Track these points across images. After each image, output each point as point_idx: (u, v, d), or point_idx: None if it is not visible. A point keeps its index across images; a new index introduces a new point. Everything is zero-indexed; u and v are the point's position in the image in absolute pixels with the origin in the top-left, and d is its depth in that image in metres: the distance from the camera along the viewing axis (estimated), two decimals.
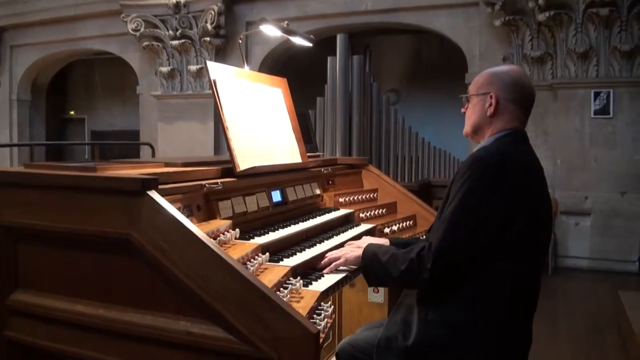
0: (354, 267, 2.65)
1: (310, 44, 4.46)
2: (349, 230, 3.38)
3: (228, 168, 2.86)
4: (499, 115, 2.44)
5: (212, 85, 2.94)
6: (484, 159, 2.25)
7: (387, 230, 3.68)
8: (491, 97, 2.43)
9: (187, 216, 2.30)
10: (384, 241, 2.90)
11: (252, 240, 2.61)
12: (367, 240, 2.90)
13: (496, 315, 2.22)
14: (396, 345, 2.34)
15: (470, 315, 2.22)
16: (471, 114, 2.54)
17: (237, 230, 2.56)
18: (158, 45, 11.45)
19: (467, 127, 2.57)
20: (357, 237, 3.27)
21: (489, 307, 2.21)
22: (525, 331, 2.35)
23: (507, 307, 2.24)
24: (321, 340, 1.93)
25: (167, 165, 2.79)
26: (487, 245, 2.16)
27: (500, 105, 2.43)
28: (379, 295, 3.90)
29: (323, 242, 3.01)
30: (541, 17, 8.60)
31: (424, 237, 2.90)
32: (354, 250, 2.65)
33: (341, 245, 2.93)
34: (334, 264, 2.65)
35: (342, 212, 3.62)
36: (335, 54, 9.45)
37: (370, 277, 2.50)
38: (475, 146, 2.55)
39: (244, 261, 2.30)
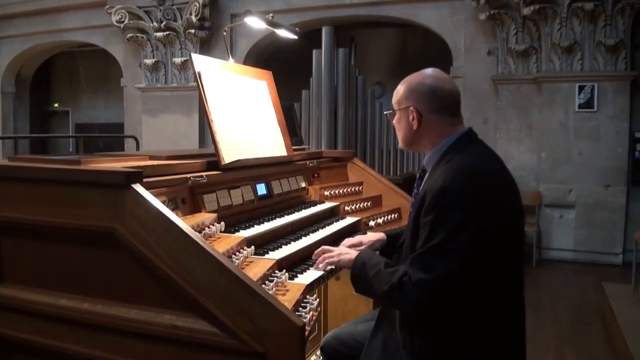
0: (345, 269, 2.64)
1: (295, 37, 4.46)
2: (335, 224, 3.38)
3: (213, 161, 2.86)
4: (426, 127, 2.39)
5: (196, 77, 2.93)
6: (450, 189, 2.14)
7: (372, 223, 3.69)
8: (412, 111, 2.39)
9: (172, 209, 2.30)
10: (380, 236, 2.91)
11: (237, 234, 2.61)
12: (364, 238, 2.91)
13: (485, 338, 2.20)
14: None
15: (459, 345, 2.19)
16: (399, 129, 2.51)
17: (222, 223, 2.56)
18: (142, 37, 11.39)
19: (400, 142, 2.55)
20: (343, 230, 3.29)
21: (476, 333, 2.19)
22: (519, 348, 2.34)
23: (494, 329, 2.21)
24: (307, 333, 1.94)
25: (151, 158, 2.78)
26: (471, 274, 2.10)
27: (424, 118, 2.38)
28: None
29: (308, 235, 3.02)
30: (526, 11, 8.63)
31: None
32: (350, 252, 2.60)
33: (327, 238, 2.94)
34: (326, 261, 2.62)
35: (328, 205, 3.62)
36: (320, 47, 9.40)
37: (356, 286, 2.47)
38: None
39: (229, 254, 2.30)
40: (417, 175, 2.54)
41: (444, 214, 2.12)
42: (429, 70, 2.50)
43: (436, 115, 2.38)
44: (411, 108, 2.39)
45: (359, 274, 2.42)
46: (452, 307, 2.14)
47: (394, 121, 2.54)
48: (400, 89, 2.48)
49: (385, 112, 2.62)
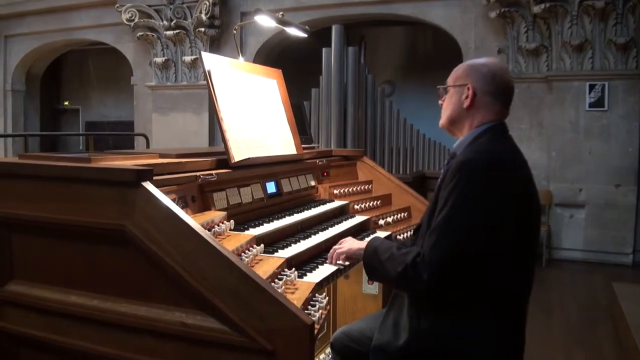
0: (354, 259, 2.66)
1: (305, 35, 4.45)
2: (344, 222, 3.38)
3: (223, 159, 2.86)
4: (476, 108, 2.39)
5: (206, 76, 2.94)
6: (471, 164, 2.19)
7: (381, 222, 3.69)
8: (468, 88, 2.39)
9: (182, 207, 2.30)
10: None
11: (246, 232, 2.61)
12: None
13: (490, 326, 2.20)
14: (389, 351, 2.34)
15: (464, 328, 2.20)
16: (447, 106, 2.50)
17: (232, 221, 2.56)
18: (152, 36, 11.41)
19: (443, 119, 2.53)
20: (353, 229, 3.29)
21: (482, 319, 2.20)
22: (519, 336, 2.34)
23: (500, 318, 2.22)
24: (316, 331, 1.94)
25: (161, 156, 2.79)
26: (481, 255, 2.12)
27: (477, 98, 2.38)
28: (373, 287, 3.91)
29: (318, 233, 3.02)
30: (536, 9, 8.59)
31: (412, 231, 2.86)
32: (358, 242, 2.64)
33: (336, 237, 2.94)
34: (337, 252, 2.66)
35: (337, 203, 3.63)
36: (330, 45, 9.40)
37: (370, 272, 2.49)
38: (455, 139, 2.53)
39: (239, 252, 2.30)
40: (446, 162, 2.52)
41: (460, 187, 2.15)
42: (493, 58, 2.55)
43: (490, 99, 2.38)
44: (468, 86, 2.39)
45: (372, 260, 2.44)
46: (461, 284, 2.15)
47: (445, 97, 2.53)
48: (460, 68, 2.48)
49: (438, 87, 2.59)
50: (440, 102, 2.56)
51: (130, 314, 2.10)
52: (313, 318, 1.97)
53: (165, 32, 11.24)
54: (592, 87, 8.52)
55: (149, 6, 11.21)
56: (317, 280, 2.42)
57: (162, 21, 11.20)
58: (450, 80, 2.51)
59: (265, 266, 2.31)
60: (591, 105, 8.56)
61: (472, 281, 2.15)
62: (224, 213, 2.62)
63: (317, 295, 2.32)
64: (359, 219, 3.54)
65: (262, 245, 2.48)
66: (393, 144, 9.90)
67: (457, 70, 2.49)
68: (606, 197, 8.55)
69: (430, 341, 2.24)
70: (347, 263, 2.67)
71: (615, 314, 5.77)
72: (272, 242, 2.72)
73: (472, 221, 2.12)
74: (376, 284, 3.90)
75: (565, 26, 8.58)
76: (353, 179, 4.28)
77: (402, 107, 10.28)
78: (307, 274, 2.50)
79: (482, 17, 9.42)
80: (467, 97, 2.39)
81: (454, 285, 2.16)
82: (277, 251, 2.58)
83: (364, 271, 2.53)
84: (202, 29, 10.89)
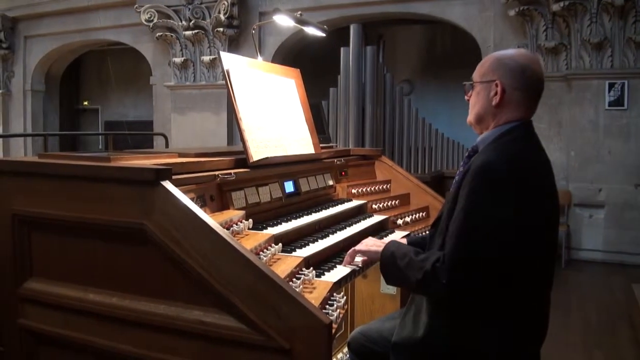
0: (368, 260, 2.64)
1: (323, 35, 4.45)
2: (362, 222, 3.38)
3: (241, 159, 2.87)
4: (505, 105, 2.29)
5: (225, 75, 2.95)
6: (490, 166, 2.12)
7: (399, 221, 3.68)
8: (496, 85, 2.28)
9: (201, 206, 2.31)
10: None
11: (265, 231, 2.62)
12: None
13: (508, 326, 2.18)
14: (409, 345, 2.33)
15: (482, 327, 2.18)
16: (475, 103, 2.39)
17: (250, 220, 2.57)
18: (171, 36, 11.46)
19: (471, 117, 2.43)
20: (370, 229, 3.28)
21: (501, 319, 2.18)
22: (538, 336, 2.32)
23: (519, 319, 2.20)
24: (334, 330, 1.94)
25: (180, 155, 2.80)
26: (500, 258, 2.08)
27: (507, 95, 2.28)
28: (391, 287, 3.90)
29: (336, 232, 3.02)
30: (556, 7, 8.54)
31: (427, 231, 2.82)
32: (377, 244, 2.60)
33: (354, 236, 2.93)
34: (353, 249, 2.63)
35: (355, 203, 3.62)
36: (348, 45, 9.40)
37: (387, 277, 2.45)
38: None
39: (257, 251, 2.30)
40: (467, 154, 2.46)
41: (478, 190, 2.10)
42: (522, 50, 2.45)
43: (519, 94, 2.28)
44: (496, 82, 2.29)
45: (388, 264, 2.40)
46: (481, 287, 2.11)
47: (472, 94, 2.42)
48: (487, 61, 2.37)
49: (464, 83, 2.47)
50: (466, 97, 2.47)
51: (149, 312, 2.11)
52: (331, 317, 1.97)
53: (184, 33, 11.30)
54: (611, 86, 8.45)
55: (168, 7, 11.28)
56: (335, 279, 2.42)
57: (181, 21, 11.26)
58: (476, 75, 2.41)
59: (283, 265, 2.31)
60: (610, 104, 8.48)
61: (491, 284, 2.11)
62: (242, 212, 2.62)
63: (335, 294, 2.31)
64: (377, 218, 3.53)
65: (280, 244, 2.49)
66: (411, 143, 9.89)
67: (484, 65, 2.37)
68: (626, 197, 8.47)
69: (447, 338, 2.22)
70: (360, 263, 2.65)
71: (635, 315, 5.73)
72: (290, 241, 2.72)
73: (491, 225, 2.07)
74: None
75: (585, 24, 8.52)
76: (371, 178, 4.27)
77: (420, 106, 10.26)
78: (325, 273, 2.50)
79: (501, 16, 9.38)
80: (496, 94, 2.29)
81: (475, 288, 2.12)
82: (295, 250, 2.58)
83: None
84: (221, 29, 10.92)
